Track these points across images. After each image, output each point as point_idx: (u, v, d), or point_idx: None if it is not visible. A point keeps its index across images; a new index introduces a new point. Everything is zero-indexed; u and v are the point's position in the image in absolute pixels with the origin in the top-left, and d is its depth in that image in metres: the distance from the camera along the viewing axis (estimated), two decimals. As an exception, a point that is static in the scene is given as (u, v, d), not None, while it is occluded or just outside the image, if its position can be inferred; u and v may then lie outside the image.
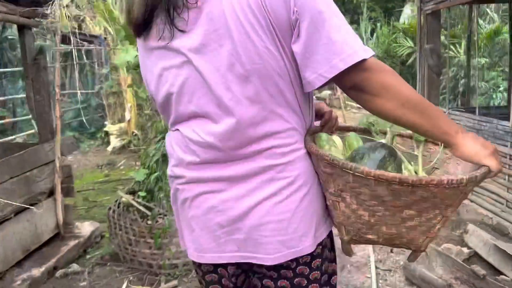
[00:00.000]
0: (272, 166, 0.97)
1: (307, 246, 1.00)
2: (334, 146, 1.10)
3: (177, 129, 1.06)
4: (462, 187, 0.87)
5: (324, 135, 1.12)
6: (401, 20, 16.38)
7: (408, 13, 16.52)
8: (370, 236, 0.98)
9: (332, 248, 1.14)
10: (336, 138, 1.17)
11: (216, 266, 1.09)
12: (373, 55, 0.90)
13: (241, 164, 0.98)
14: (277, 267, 1.02)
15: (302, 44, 0.90)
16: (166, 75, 1.00)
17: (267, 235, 0.99)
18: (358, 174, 0.87)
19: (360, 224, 0.97)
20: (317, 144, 1.06)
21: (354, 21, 16.43)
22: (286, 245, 0.99)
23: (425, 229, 0.95)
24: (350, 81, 0.92)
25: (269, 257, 1.00)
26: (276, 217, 0.98)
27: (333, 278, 1.11)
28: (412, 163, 1.11)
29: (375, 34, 15.30)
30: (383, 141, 1.13)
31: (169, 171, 1.12)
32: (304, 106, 1.01)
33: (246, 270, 1.11)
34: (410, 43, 12.36)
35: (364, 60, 0.89)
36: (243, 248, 1.02)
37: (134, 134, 6.96)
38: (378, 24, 15.50)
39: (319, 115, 1.19)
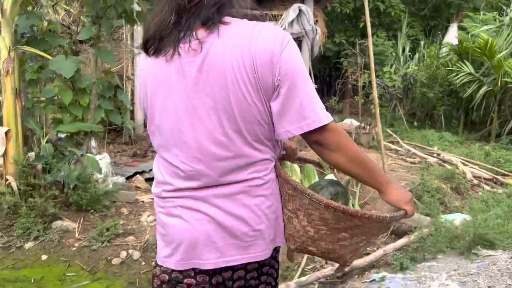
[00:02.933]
0: (253, 186, 1.17)
1: (269, 249, 1.22)
2: (294, 173, 1.38)
3: (163, 158, 1.21)
4: (385, 222, 1.16)
5: (288, 163, 1.40)
6: (445, 40, 13.17)
7: (454, 33, 13.35)
8: (311, 248, 1.20)
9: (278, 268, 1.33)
10: (296, 166, 1.42)
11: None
12: (332, 120, 1.11)
13: (229, 187, 1.16)
14: (250, 267, 1.23)
15: (279, 103, 1.10)
16: (167, 103, 1.14)
17: (248, 241, 1.18)
18: (313, 199, 1.13)
19: (305, 237, 1.19)
20: (282, 170, 1.25)
21: (390, 37, 13.21)
22: (266, 246, 1.20)
23: (353, 249, 1.21)
24: (313, 138, 1.13)
25: (256, 254, 1.19)
26: (257, 226, 1.18)
27: None
28: (351, 197, 1.35)
29: (416, 55, 12.04)
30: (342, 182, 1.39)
31: (157, 192, 1.23)
32: (275, 143, 1.22)
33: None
34: (470, 69, 9.05)
35: (326, 124, 1.10)
36: (225, 253, 1.18)
37: (8, 183, 3.79)
38: (422, 43, 12.25)
39: (283, 147, 1.40)
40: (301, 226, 1.17)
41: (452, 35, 12.94)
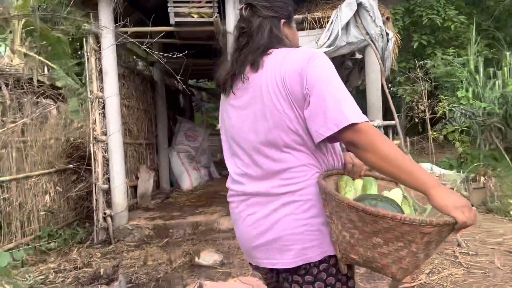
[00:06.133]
0: (290, 192, 1.27)
1: (314, 255, 1.24)
2: (350, 186, 1.34)
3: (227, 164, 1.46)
4: (420, 226, 1.00)
5: (345, 177, 1.37)
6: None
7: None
8: (353, 256, 1.16)
9: (346, 275, 1.27)
10: (357, 181, 1.39)
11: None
12: (364, 121, 1.15)
13: (269, 191, 1.30)
14: (292, 272, 1.27)
15: (309, 110, 1.22)
16: (229, 122, 1.43)
17: (286, 245, 1.26)
18: (337, 200, 1.11)
19: (344, 243, 1.16)
20: (339, 183, 1.34)
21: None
22: (300, 252, 1.24)
23: (395, 259, 1.08)
24: (346, 139, 1.19)
25: (288, 261, 1.25)
26: (292, 230, 1.25)
27: None
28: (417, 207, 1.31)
29: (505, 69, 8.86)
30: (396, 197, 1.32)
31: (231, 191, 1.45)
32: (316, 150, 1.29)
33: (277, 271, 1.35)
34: None
35: (355, 124, 1.14)
36: (271, 256, 1.30)
37: None
38: (507, 54, 9.11)
39: (344, 162, 1.43)
40: (338, 231, 1.16)
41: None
